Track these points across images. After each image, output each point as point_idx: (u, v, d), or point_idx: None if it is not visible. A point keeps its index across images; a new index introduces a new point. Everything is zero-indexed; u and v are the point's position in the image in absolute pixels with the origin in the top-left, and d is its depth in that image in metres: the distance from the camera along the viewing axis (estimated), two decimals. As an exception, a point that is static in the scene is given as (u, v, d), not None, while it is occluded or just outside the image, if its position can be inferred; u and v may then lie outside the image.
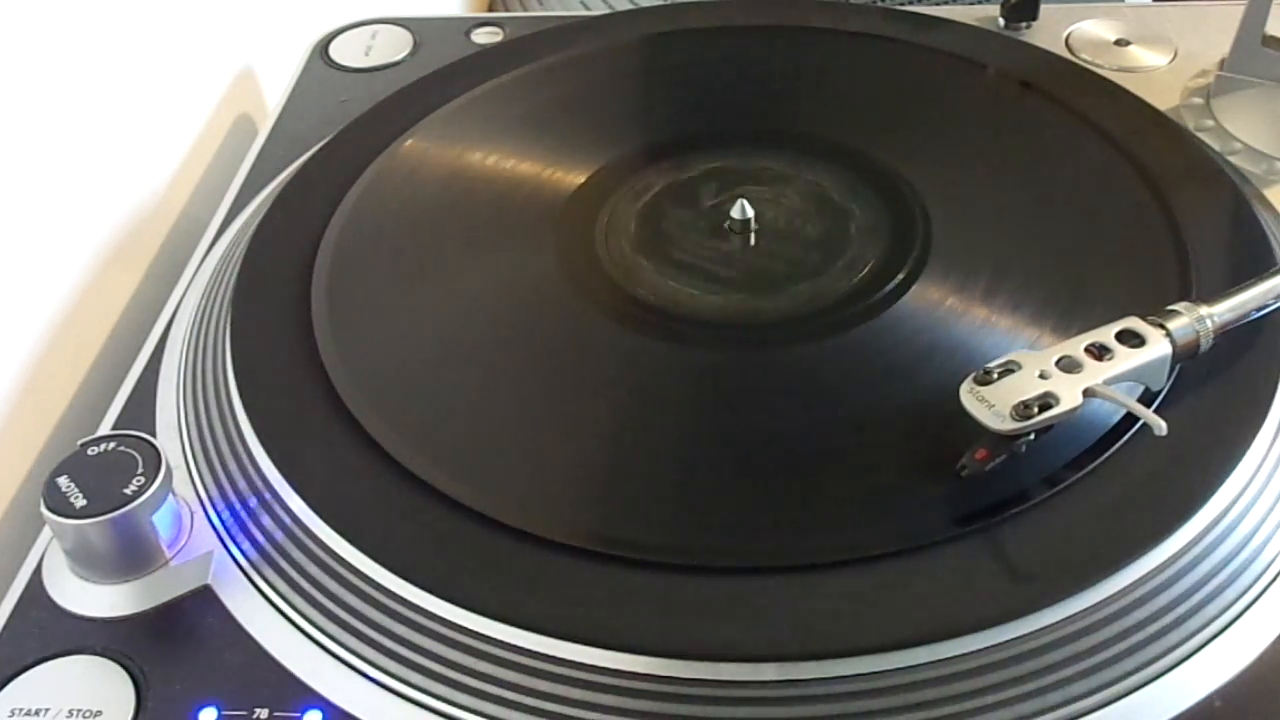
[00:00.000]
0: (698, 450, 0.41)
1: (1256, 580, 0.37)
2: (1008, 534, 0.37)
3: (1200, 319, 0.39)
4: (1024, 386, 0.37)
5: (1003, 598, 0.35)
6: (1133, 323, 0.39)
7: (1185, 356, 0.39)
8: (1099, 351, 0.38)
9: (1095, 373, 0.38)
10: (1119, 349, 0.39)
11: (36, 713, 0.36)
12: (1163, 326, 0.39)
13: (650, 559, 0.37)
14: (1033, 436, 0.37)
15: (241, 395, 0.43)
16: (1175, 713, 0.35)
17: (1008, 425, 0.37)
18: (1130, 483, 0.38)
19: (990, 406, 0.37)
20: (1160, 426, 0.36)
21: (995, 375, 0.38)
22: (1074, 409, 0.37)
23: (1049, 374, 0.38)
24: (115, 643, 0.38)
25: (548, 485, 0.40)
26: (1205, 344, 0.39)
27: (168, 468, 0.38)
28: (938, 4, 0.77)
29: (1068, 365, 0.38)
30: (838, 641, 0.34)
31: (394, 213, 0.51)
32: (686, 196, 0.51)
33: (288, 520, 0.39)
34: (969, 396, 0.37)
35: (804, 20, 0.61)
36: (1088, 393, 0.37)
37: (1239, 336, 0.41)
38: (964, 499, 0.38)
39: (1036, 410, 0.37)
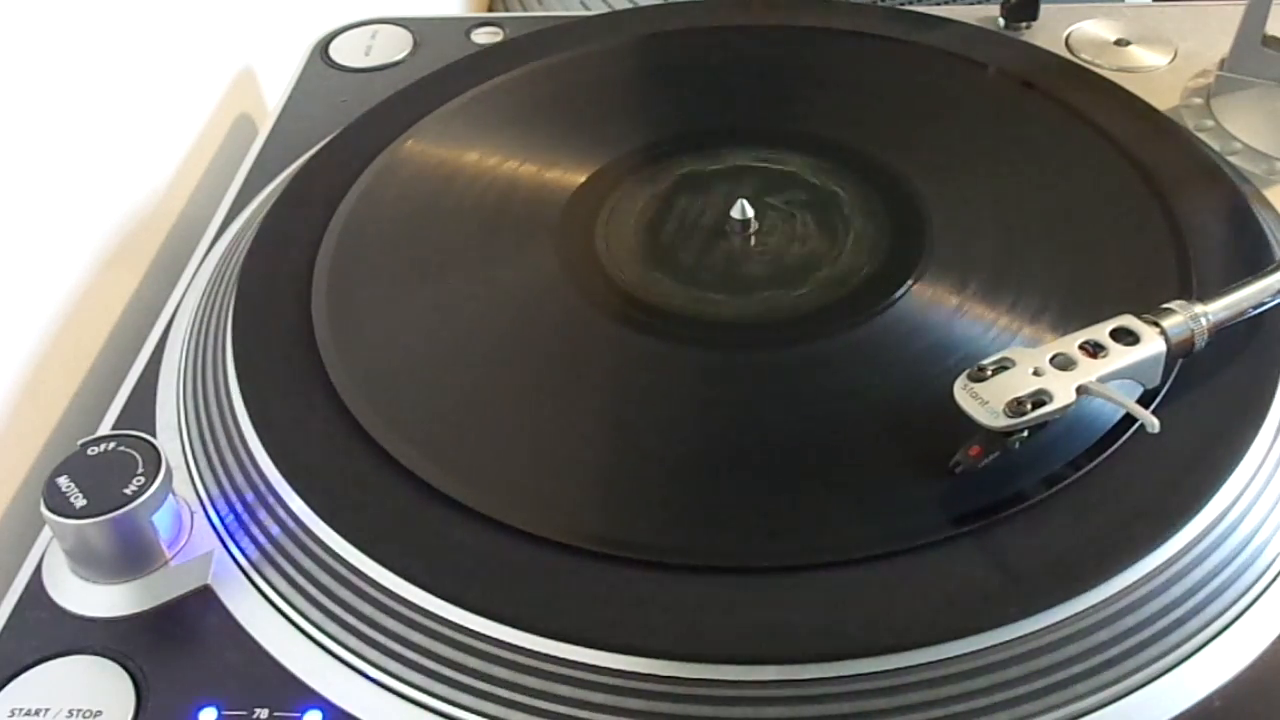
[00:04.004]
0: (697, 450, 0.41)
1: (1256, 580, 0.37)
2: (1008, 534, 0.37)
3: (1195, 317, 0.39)
4: (1018, 383, 0.37)
5: (1002, 598, 0.35)
6: (1127, 320, 0.39)
7: (1180, 354, 0.39)
8: (1093, 349, 0.38)
9: (1089, 370, 0.38)
10: (1113, 346, 0.39)
11: (36, 713, 0.36)
12: (1157, 324, 0.39)
13: (650, 559, 0.37)
14: (1026, 433, 0.37)
15: (242, 395, 0.43)
16: (1175, 713, 0.35)
17: (1001, 422, 0.37)
18: (1130, 483, 0.38)
19: (984, 403, 0.37)
20: (1153, 424, 0.36)
21: (989, 372, 0.38)
22: (1067, 406, 0.37)
23: (1043, 371, 0.38)
24: (115, 643, 0.38)
25: (548, 485, 0.40)
26: (1200, 342, 0.39)
27: (168, 468, 0.38)
28: (938, 4, 0.77)
29: (1062, 363, 0.38)
30: (838, 642, 0.34)
31: (394, 213, 0.51)
32: (686, 197, 0.51)
33: (288, 520, 0.39)
34: (963, 393, 0.37)
35: (804, 20, 0.61)
36: (1081, 390, 0.37)
37: (1239, 336, 0.41)
38: (964, 499, 0.38)
39: (1030, 407, 0.37)
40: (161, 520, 0.38)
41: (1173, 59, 0.60)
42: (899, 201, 0.50)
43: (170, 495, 0.39)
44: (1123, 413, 0.39)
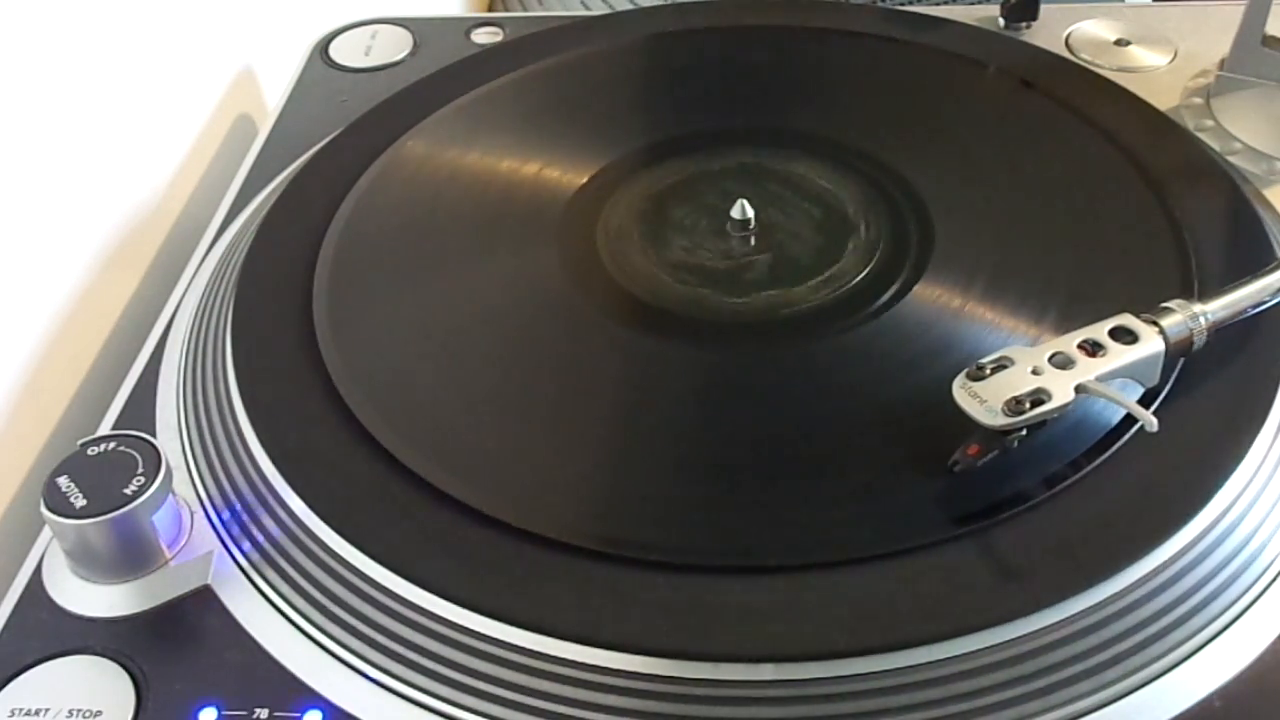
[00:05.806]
0: (698, 450, 0.41)
1: (1257, 580, 0.37)
2: (1008, 534, 0.37)
3: (1194, 316, 0.39)
4: (1016, 382, 0.37)
5: (1003, 598, 0.35)
6: (1126, 319, 0.39)
7: (1179, 353, 0.39)
8: (1092, 348, 0.38)
9: (1088, 369, 0.38)
10: (1112, 345, 0.39)
11: (36, 713, 0.36)
12: (1156, 323, 0.39)
13: (650, 559, 0.37)
14: (1024, 432, 0.37)
15: (242, 395, 0.43)
16: (1175, 713, 0.35)
17: (999, 420, 0.37)
18: (1130, 483, 0.38)
19: (983, 402, 0.37)
20: (1152, 423, 0.36)
21: (988, 371, 0.38)
22: (1065, 405, 0.37)
23: (1041, 370, 0.38)
24: (115, 643, 0.38)
25: (548, 485, 0.40)
26: (1199, 341, 0.39)
27: (168, 468, 0.38)
28: (938, 4, 0.77)
29: (1061, 361, 0.38)
30: (837, 641, 0.34)
31: (395, 213, 0.51)
32: (687, 197, 0.51)
33: (288, 520, 0.39)
34: (961, 392, 0.37)
35: (804, 20, 0.61)
36: (1079, 389, 0.37)
37: (1240, 336, 0.41)
38: (965, 499, 0.38)
39: (1028, 406, 0.37)
40: (161, 520, 0.38)
41: (1173, 59, 0.60)
42: (899, 201, 0.50)
43: (170, 495, 0.39)
44: (1123, 413, 0.39)
